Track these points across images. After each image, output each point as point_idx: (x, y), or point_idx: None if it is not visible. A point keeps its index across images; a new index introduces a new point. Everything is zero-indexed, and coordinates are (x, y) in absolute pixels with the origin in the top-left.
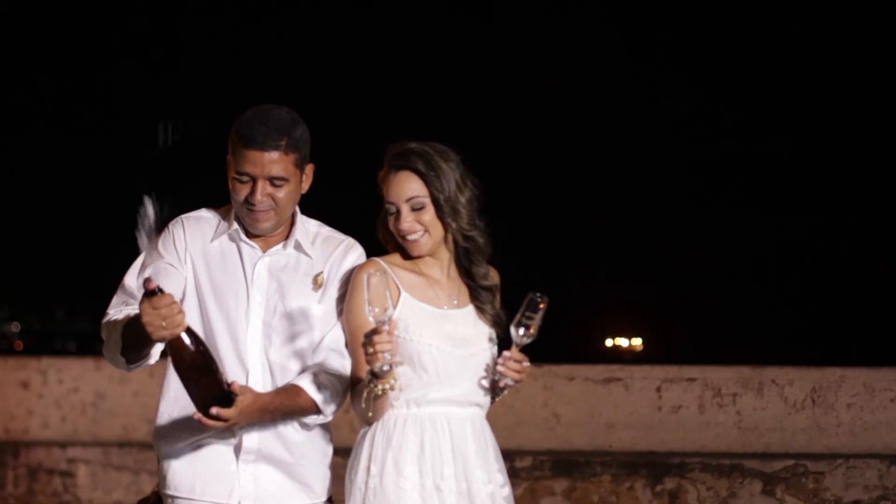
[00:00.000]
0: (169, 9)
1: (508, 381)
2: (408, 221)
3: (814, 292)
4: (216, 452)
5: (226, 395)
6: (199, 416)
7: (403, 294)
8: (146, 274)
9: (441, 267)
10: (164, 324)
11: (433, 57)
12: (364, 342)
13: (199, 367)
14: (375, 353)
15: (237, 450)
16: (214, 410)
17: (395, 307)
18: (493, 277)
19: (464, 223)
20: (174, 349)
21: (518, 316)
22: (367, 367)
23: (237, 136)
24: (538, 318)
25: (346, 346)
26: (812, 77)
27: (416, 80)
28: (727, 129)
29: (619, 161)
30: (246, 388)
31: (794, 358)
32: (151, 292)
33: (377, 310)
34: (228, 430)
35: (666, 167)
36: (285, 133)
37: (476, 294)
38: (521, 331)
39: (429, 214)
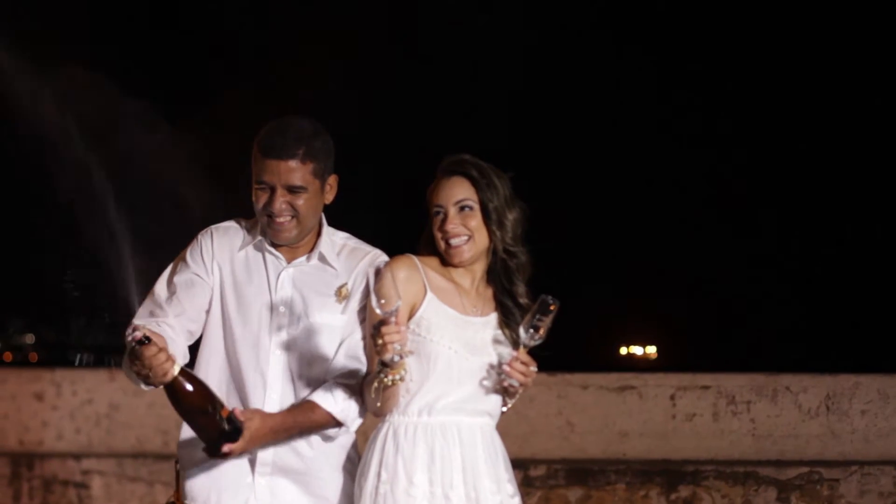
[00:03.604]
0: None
1: (514, 383)
2: (454, 223)
3: (828, 300)
4: (233, 464)
5: (231, 429)
6: (207, 453)
7: (429, 294)
8: (172, 286)
9: (472, 279)
10: (150, 374)
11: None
12: (373, 333)
13: (196, 409)
14: (385, 344)
15: (252, 462)
16: (226, 448)
17: (419, 305)
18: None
19: (508, 237)
20: (169, 393)
21: (528, 317)
22: (377, 358)
23: (258, 146)
24: (548, 320)
25: (364, 349)
26: (828, 80)
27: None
28: (740, 136)
29: (629, 170)
30: (253, 412)
31: (808, 365)
32: (139, 342)
33: (384, 301)
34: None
35: (677, 174)
36: (303, 142)
37: (509, 312)
38: (531, 332)
39: (475, 220)
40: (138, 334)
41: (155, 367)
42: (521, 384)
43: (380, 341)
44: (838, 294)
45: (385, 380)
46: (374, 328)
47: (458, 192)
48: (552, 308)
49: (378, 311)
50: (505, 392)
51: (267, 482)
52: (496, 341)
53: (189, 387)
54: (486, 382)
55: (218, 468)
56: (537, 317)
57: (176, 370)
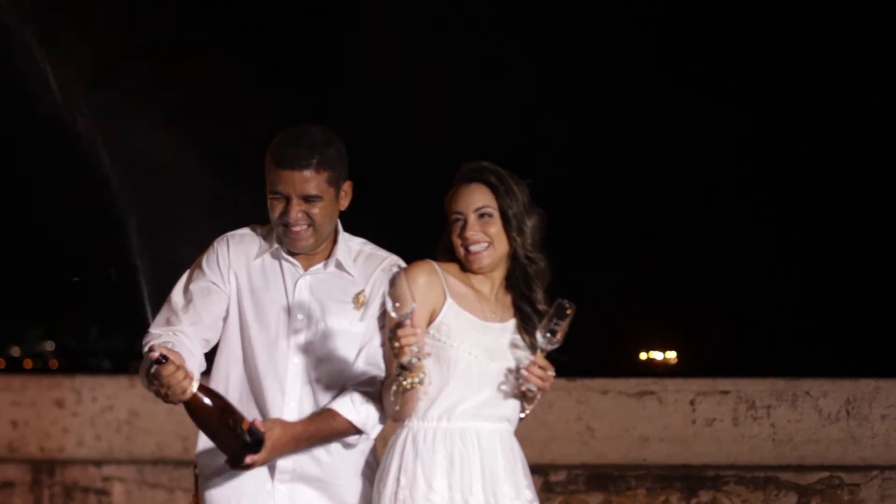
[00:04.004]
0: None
1: (532, 387)
2: (474, 230)
3: (847, 304)
4: (253, 472)
5: (253, 441)
6: (230, 465)
7: (449, 300)
8: (188, 295)
9: (491, 286)
10: (168, 392)
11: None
12: (390, 337)
13: (217, 423)
14: (401, 346)
15: (272, 469)
16: (248, 460)
17: (439, 310)
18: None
19: (528, 243)
20: (189, 410)
21: (545, 322)
22: (395, 362)
23: (271, 157)
24: (565, 324)
25: (383, 355)
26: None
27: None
28: (757, 139)
29: (647, 176)
30: (273, 422)
31: (827, 370)
32: (156, 361)
33: (398, 304)
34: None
35: (695, 180)
36: (317, 151)
37: (528, 317)
38: (548, 336)
39: (495, 227)
40: (154, 354)
41: (173, 386)
42: (540, 388)
43: (396, 344)
44: (858, 299)
45: (404, 383)
46: (390, 331)
47: (477, 199)
48: (569, 312)
49: (393, 314)
50: (523, 397)
51: (287, 489)
52: (515, 347)
53: (208, 402)
54: (504, 387)
55: (237, 476)
56: (554, 321)
57: (194, 387)
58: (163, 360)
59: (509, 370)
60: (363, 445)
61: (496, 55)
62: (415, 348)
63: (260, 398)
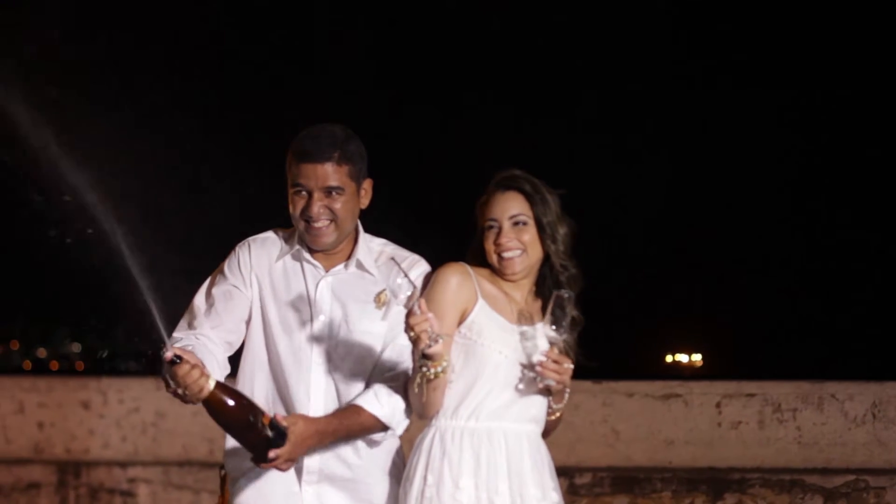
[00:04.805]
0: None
1: (549, 382)
2: (509, 237)
3: (874, 307)
4: (280, 474)
5: (275, 435)
6: (254, 461)
7: (480, 301)
8: (210, 299)
9: (521, 292)
10: (186, 393)
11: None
12: (405, 328)
13: (237, 420)
14: (417, 334)
15: (299, 471)
16: (272, 454)
17: (471, 310)
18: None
19: (561, 250)
20: (209, 408)
21: (548, 315)
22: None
23: (292, 152)
24: (568, 314)
25: (407, 353)
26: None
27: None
28: (800, 145)
29: (671, 182)
30: (296, 417)
31: (854, 372)
32: (171, 362)
33: (401, 297)
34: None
35: (720, 185)
36: (338, 146)
37: (561, 324)
38: (554, 328)
39: (529, 234)
40: (168, 354)
41: (190, 385)
42: (558, 382)
43: (411, 333)
44: (885, 301)
45: (427, 373)
46: (405, 323)
47: (512, 207)
48: (566, 299)
49: (396, 303)
50: (549, 394)
51: (314, 490)
52: (543, 348)
53: (227, 399)
54: (522, 386)
55: (265, 479)
56: (556, 313)
57: (212, 384)
58: (177, 360)
59: (530, 369)
60: (389, 444)
61: None
62: (430, 331)
63: (286, 400)
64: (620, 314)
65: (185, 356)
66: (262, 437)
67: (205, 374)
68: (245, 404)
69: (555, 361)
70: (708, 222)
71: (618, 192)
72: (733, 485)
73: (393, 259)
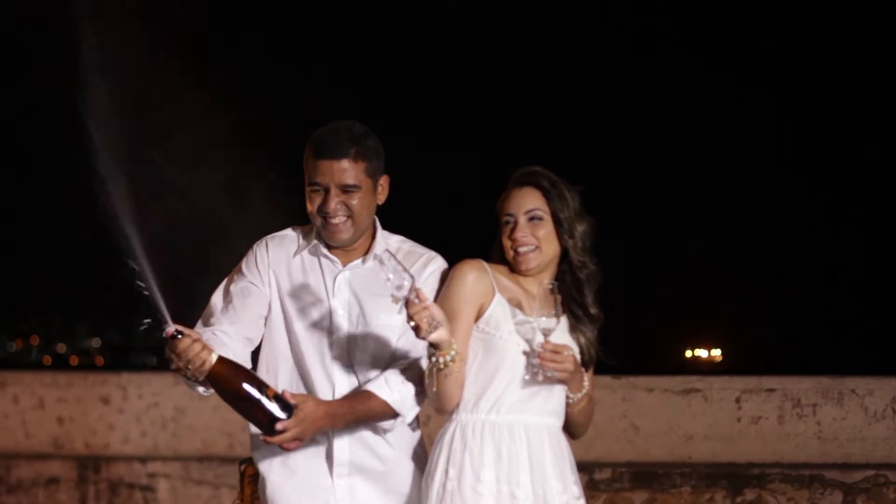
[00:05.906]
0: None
1: (551, 373)
2: (523, 232)
3: (894, 302)
4: (310, 466)
5: (281, 406)
6: (263, 437)
7: (497, 295)
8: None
9: (539, 287)
10: (188, 367)
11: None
12: (406, 321)
13: (242, 393)
14: (417, 323)
15: (330, 464)
16: (279, 426)
17: (488, 305)
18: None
19: (578, 247)
20: (213, 383)
21: (537, 306)
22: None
23: (310, 149)
24: (557, 306)
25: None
26: None
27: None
28: (810, 140)
29: (694, 177)
30: (306, 396)
31: (874, 367)
32: (172, 337)
33: (396, 293)
34: (315, 442)
35: (740, 181)
36: (355, 142)
37: (579, 320)
38: (544, 320)
39: (545, 230)
40: (170, 329)
41: (192, 359)
42: (561, 371)
43: (412, 323)
44: None
45: (437, 362)
46: (407, 316)
47: (528, 202)
48: (556, 294)
49: (396, 293)
50: (564, 384)
51: (346, 483)
52: (563, 342)
53: (231, 372)
54: (528, 377)
55: (296, 472)
56: (546, 304)
57: (214, 358)
58: (178, 335)
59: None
60: (415, 435)
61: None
62: (429, 319)
63: (311, 393)
64: (640, 310)
65: (187, 332)
66: (266, 409)
67: (207, 348)
68: (249, 377)
69: (552, 351)
70: (728, 220)
71: (639, 189)
72: (753, 480)
73: (387, 251)
